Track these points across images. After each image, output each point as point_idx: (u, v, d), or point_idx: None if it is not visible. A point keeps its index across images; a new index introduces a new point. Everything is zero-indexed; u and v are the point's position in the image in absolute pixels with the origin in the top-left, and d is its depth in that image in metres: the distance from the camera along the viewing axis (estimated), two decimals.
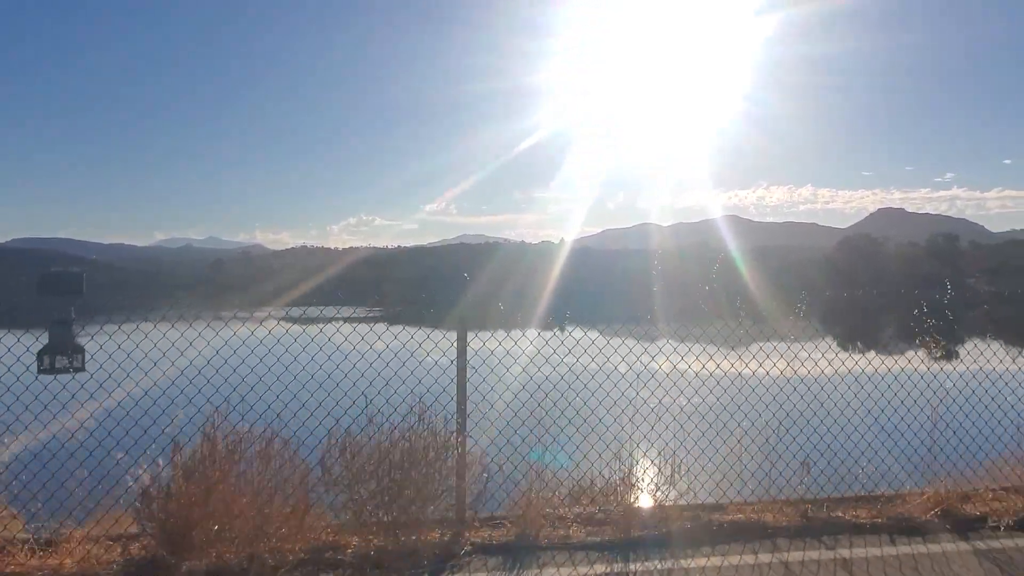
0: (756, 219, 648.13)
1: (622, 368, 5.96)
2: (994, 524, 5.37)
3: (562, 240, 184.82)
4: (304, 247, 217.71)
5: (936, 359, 6.36)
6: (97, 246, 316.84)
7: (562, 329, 6.19)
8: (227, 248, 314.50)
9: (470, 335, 5.35)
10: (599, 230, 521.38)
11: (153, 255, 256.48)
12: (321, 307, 5.41)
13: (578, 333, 5.94)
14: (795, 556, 4.75)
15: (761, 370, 6.32)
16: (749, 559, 4.70)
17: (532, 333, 6.17)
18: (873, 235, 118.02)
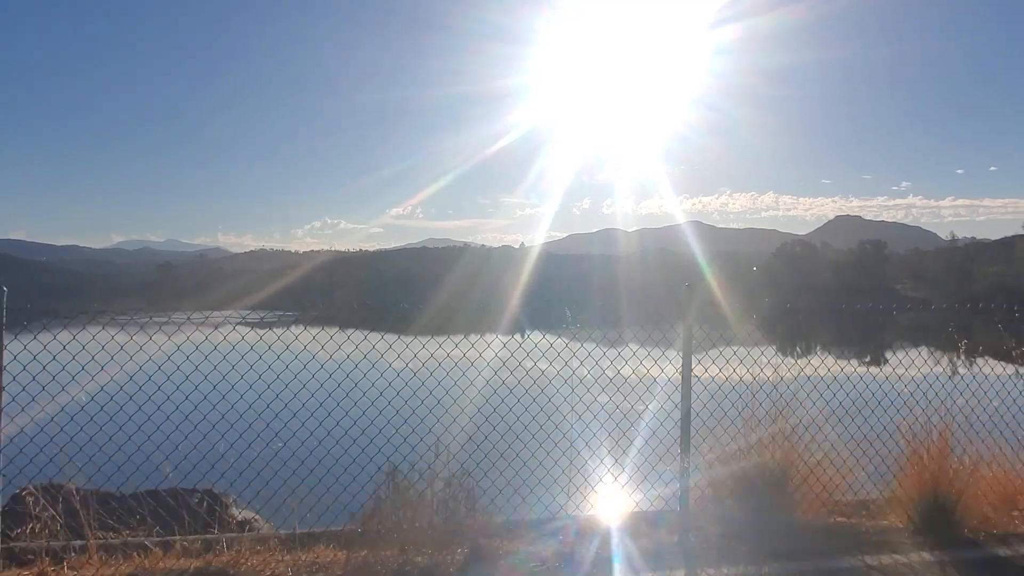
0: (720, 225, 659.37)
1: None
2: None
3: (522, 244, 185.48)
4: (263, 250, 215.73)
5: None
6: (49, 248, 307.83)
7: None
8: (186, 251, 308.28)
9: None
10: (564, 235, 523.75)
11: (107, 257, 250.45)
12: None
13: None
14: None
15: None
16: None
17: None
18: (810, 242, 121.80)
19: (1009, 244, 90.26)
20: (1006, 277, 72.16)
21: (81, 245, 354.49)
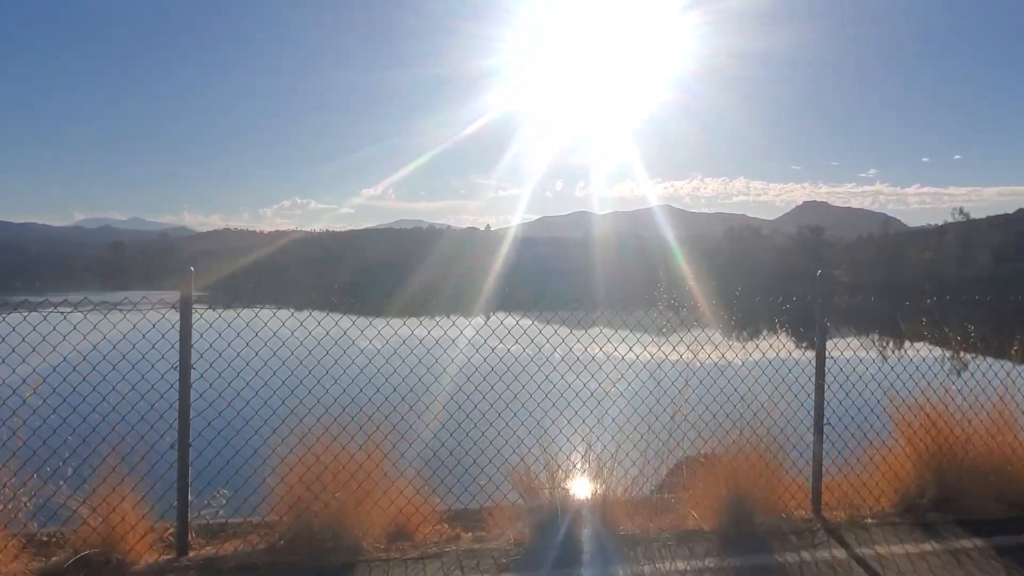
0: (692, 209, 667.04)
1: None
2: None
3: (487, 227, 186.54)
4: (227, 230, 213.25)
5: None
6: (5, 225, 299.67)
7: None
8: (149, 230, 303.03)
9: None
10: (536, 217, 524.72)
11: (65, 236, 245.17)
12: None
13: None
14: None
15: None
16: None
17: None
18: (755, 226, 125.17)
19: (943, 231, 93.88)
20: (935, 264, 75.44)
21: (40, 223, 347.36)
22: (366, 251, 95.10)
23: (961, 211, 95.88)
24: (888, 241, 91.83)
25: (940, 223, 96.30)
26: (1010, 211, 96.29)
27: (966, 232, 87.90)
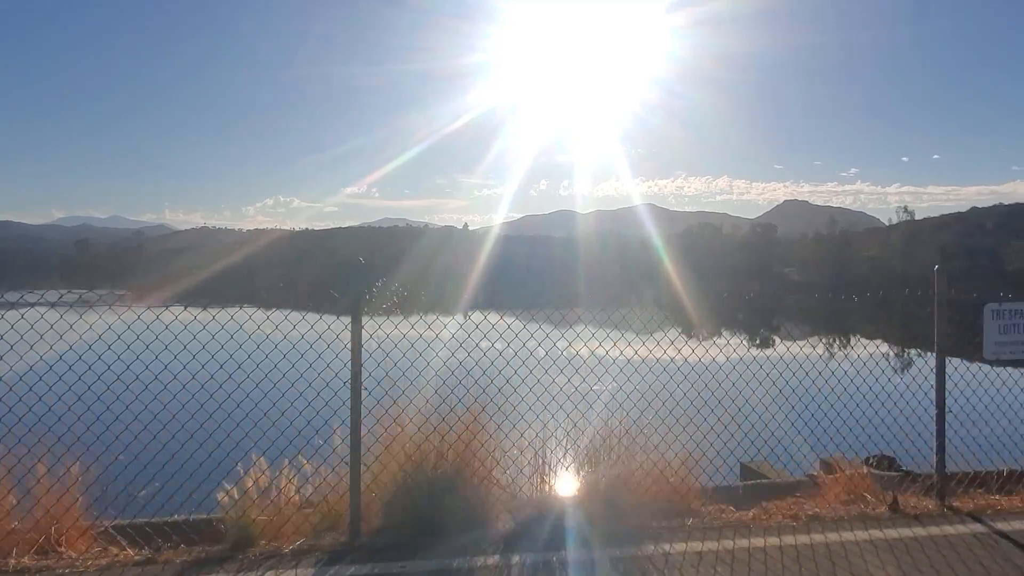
0: (675, 208, 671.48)
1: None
2: None
3: (465, 225, 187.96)
4: (205, 228, 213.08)
5: None
6: None
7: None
8: (129, 228, 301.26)
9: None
10: (519, 216, 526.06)
11: (42, 234, 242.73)
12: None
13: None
14: None
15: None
16: None
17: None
18: (715, 224, 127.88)
19: (891, 230, 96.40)
20: (880, 262, 77.81)
21: (18, 221, 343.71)
22: (337, 250, 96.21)
23: (906, 209, 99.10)
24: (836, 240, 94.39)
25: (886, 222, 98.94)
26: (963, 209, 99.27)
27: (913, 230, 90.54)
